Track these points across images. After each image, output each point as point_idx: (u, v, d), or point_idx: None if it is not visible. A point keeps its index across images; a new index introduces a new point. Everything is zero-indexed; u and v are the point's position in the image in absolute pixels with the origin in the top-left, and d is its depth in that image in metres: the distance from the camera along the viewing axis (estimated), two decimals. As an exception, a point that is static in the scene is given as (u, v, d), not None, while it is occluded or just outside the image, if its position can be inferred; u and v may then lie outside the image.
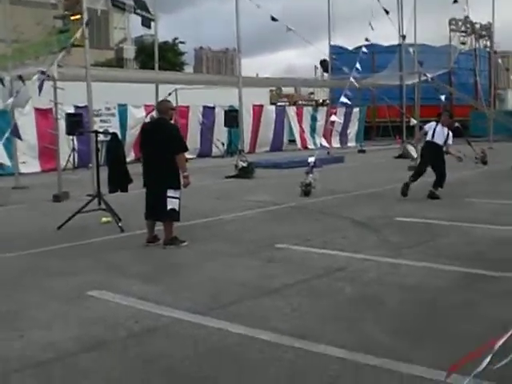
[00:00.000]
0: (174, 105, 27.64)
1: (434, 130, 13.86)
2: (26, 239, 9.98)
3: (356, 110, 37.10)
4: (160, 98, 22.71)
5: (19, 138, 12.12)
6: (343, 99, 17.64)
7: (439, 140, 13.84)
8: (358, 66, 19.07)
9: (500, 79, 53.59)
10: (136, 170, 10.74)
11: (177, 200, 9.16)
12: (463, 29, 50.75)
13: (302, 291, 6.73)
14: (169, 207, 9.08)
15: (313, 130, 35.59)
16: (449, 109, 15.90)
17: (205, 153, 29.99)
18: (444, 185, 13.87)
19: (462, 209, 12.32)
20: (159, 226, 9.39)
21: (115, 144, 11.30)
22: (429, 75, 25.32)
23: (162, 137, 9.12)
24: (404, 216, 11.47)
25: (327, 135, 28.77)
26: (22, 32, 37.19)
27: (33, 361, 4.93)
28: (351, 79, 18.40)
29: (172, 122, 9.73)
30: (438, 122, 14.00)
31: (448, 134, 13.91)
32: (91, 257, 8.66)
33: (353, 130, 37.96)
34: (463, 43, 51.38)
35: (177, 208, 9.16)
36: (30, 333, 5.56)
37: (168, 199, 9.08)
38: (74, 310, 6.21)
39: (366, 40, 22.02)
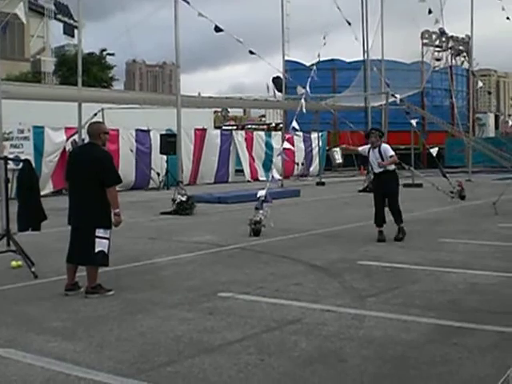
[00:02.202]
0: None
1: (368, 157, 14.17)
2: None
3: (314, 135, 37.41)
4: (84, 119, 22.70)
5: None
6: (294, 124, 17.85)
7: (377, 168, 14.03)
8: (307, 87, 19.35)
9: (480, 101, 54.91)
10: (53, 205, 10.68)
11: (106, 241, 9.05)
12: (437, 43, 51.75)
13: (249, 348, 6.70)
14: (97, 249, 8.95)
15: (269, 159, 35.01)
16: (378, 128, 15.84)
17: (139, 185, 29.84)
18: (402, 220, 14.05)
19: (435, 251, 12.50)
20: (82, 272, 9.27)
21: (28, 173, 11.15)
22: (398, 96, 25.79)
23: (91, 166, 8.98)
24: (368, 259, 11.59)
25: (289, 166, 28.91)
26: None
27: None
28: (302, 101, 18.65)
29: (105, 148, 9.59)
30: (370, 147, 14.18)
31: (380, 153, 13.91)
32: (-3, 308, 8.50)
33: (314, 160, 38.19)
34: (438, 59, 52.40)
35: (106, 250, 9.04)
36: None
37: (96, 240, 8.94)
38: (-25, 373, 6.06)
39: (318, 56, 22.49)
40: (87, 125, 9.54)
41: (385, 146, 14.05)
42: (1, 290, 9.62)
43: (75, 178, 9.21)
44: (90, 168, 8.98)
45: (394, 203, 14.05)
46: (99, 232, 8.97)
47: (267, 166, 35.16)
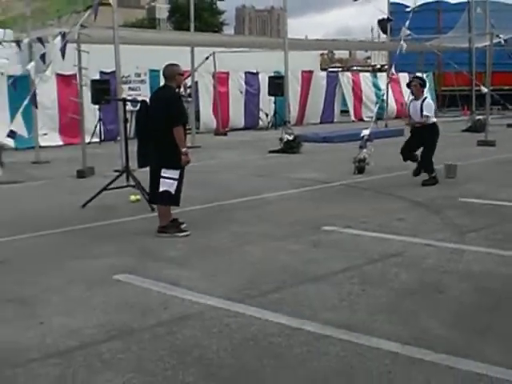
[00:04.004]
0: (212, 70, 27.95)
1: (409, 109, 13.44)
2: (47, 218, 10.19)
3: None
4: (196, 63, 22.89)
5: (35, 106, 12.37)
6: (393, 68, 17.65)
7: (416, 118, 13.27)
8: (405, 28, 18.96)
9: None
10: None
11: (173, 182, 8.84)
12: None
13: (352, 278, 6.78)
14: (161, 189, 8.82)
15: (380, 99, 33.78)
16: (419, 76, 14.49)
17: (249, 125, 30.05)
18: (432, 171, 13.26)
19: (538, 189, 12.18)
20: (183, 209, 9.43)
21: (145, 113, 11.33)
22: (502, 37, 24.89)
23: (162, 107, 8.87)
24: (470, 197, 11.38)
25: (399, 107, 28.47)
26: (43, -11, 37.58)
27: (53, 350, 5.07)
28: (402, 42, 18.29)
29: (181, 89, 9.43)
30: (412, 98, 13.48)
31: (422, 106, 13.08)
32: (118, 238, 8.83)
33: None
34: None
35: (172, 191, 8.84)
36: (51, 319, 5.72)
37: (161, 180, 8.82)
38: (99, 296, 6.35)
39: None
40: (163, 66, 9.32)
41: (427, 103, 13.21)
42: (122, 221, 9.97)
43: (149, 119, 9.10)
44: (161, 109, 8.86)
45: (426, 152, 13.26)
46: (165, 172, 8.80)
47: (379, 105, 34.22)
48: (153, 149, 9.02)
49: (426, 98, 13.47)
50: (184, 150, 8.79)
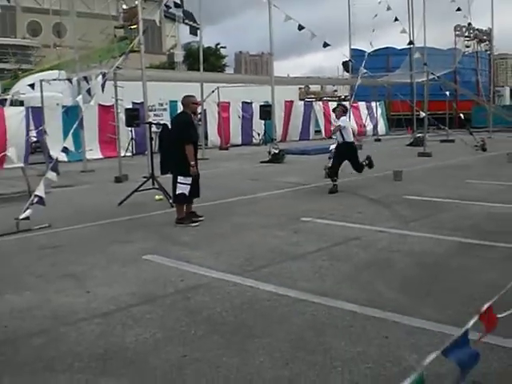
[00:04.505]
0: (217, 100, 27.93)
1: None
2: (92, 213, 10.16)
3: (373, 104, 36.70)
4: (205, 95, 22.87)
5: (82, 128, 12.51)
6: (353, 98, 17.78)
7: (339, 138, 12.84)
8: (363, 67, 19.17)
9: (498, 78, 52.60)
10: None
11: (186, 186, 8.82)
12: (466, 34, 49.79)
13: (323, 256, 6.78)
14: (178, 191, 8.85)
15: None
16: (342, 103, 14.07)
17: (245, 142, 30.10)
18: (363, 166, 13.17)
19: (463, 189, 12.19)
20: (199, 203, 9.41)
21: (166, 134, 11.34)
22: (436, 74, 25.02)
23: (178, 128, 8.87)
24: (413, 195, 11.39)
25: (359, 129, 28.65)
26: (89, 40, 37.59)
27: (97, 312, 5.08)
28: (358, 78, 18.50)
29: (195, 115, 9.35)
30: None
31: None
32: (146, 228, 8.81)
33: (378, 123, 37.54)
34: (467, 46, 50.49)
35: (186, 193, 8.84)
36: (95, 289, 5.71)
37: (178, 184, 8.83)
38: (132, 271, 6.35)
39: (371, 45, 22.31)
40: (182, 97, 9.22)
41: (341, 119, 12.73)
42: (149, 215, 9.95)
43: (169, 137, 9.14)
44: (177, 130, 8.85)
45: (355, 162, 12.95)
46: (180, 179, 8.82)
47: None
48: (171, 160, 9.03)
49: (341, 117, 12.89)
50: (192, 162, 8.73)
